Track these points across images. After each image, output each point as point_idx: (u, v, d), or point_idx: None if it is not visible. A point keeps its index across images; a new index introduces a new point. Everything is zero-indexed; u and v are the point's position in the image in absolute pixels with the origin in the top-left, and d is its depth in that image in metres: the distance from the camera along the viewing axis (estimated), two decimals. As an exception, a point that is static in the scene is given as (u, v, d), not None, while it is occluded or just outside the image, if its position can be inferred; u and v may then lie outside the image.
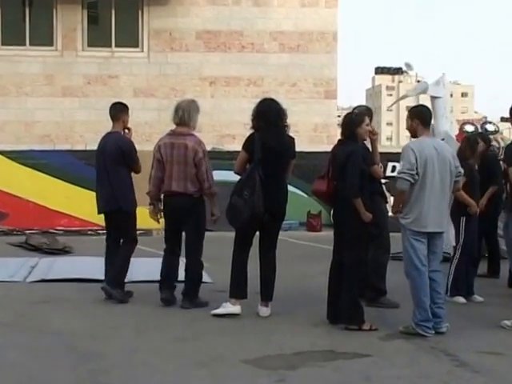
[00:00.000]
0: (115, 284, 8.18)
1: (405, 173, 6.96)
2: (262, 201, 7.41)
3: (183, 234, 8.17)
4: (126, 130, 8.58)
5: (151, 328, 7.22)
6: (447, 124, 11.76)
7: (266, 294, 7.75)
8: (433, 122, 8.81)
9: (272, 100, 7.89)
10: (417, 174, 6.95)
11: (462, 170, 7.36)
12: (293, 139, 7.77)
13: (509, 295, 8.20)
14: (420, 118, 7.28)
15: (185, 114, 8.02)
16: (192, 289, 8.04)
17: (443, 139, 10.65)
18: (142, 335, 6.97)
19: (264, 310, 7.72)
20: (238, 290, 7.68)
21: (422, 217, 6.99)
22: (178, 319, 7.56)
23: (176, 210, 8.03)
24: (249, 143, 7.63)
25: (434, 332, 6.99)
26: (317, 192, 7.63)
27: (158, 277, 8.21)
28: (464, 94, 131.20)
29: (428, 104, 9.38)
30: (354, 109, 7.88)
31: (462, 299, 8.57)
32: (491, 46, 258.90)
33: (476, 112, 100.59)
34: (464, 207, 8.55)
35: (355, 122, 7.51)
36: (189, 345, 6.65)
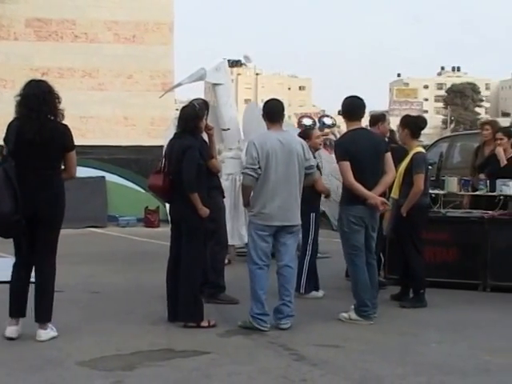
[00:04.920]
0: None
1: (248, 168, 6.96)
2: (7, 200, 6.24)
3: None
4: None
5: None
6: (232, 112, 11.45)
7: (38, 315, 6.61)
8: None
9: (40, 81, 6.68)
10: (259, 168, 6.93)
11: (315, 163, 7.33)
12: (65, 127, 6.61)
13: (345, 288, 8.34)
14: (264, 113, 7.24)
15: None
16: None
17: (228, 129, 10.85)
18: (-31, 340, 6.57)
19: (40, 333, 6.57)
20: (13, 307, 6.64)
21: (266, 210, 6.97)
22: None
23: None
24: (6, 134, 6.53)
25: (269, 326, 6.97)
26: (153, 187, 7.44)
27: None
28: (302, 88, 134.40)
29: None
30: (191, 102, 7.75)
31: (319, 293, 8.64)
32: (330, 40, 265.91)
33: (314, 105, 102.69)
34: (313, 204, 8.57)
35: (199, 115, 7.36)
36: (20, 348, 6.33)
